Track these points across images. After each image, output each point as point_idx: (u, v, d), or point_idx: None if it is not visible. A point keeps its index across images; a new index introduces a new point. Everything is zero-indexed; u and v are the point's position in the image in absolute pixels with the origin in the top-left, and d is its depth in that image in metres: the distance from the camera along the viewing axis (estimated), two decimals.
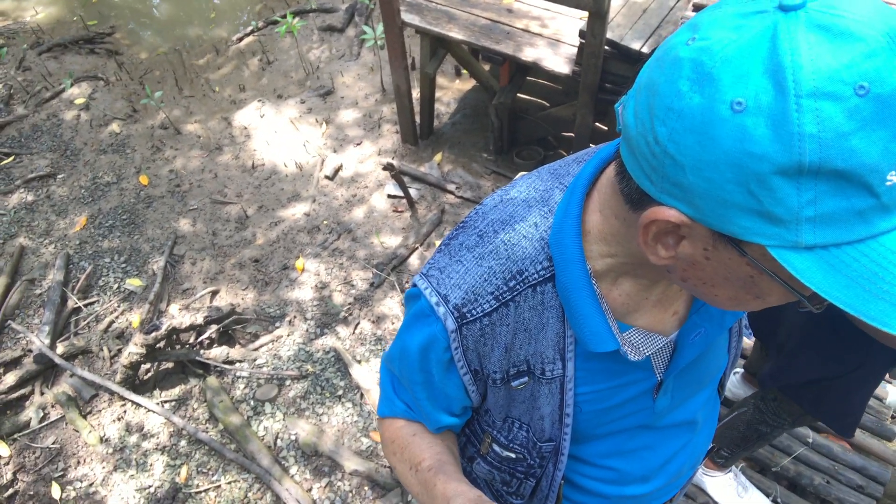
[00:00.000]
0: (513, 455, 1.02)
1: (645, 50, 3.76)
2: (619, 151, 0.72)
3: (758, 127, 0.53)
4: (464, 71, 5.54)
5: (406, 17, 4.27)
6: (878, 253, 0.56)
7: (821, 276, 0.56)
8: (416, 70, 5.34)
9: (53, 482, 3.26)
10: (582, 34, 3.75)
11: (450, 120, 5.29)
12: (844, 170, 0.52)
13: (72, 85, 5.60)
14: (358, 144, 5.07)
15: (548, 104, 5.17)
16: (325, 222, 4.53)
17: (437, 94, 5.32)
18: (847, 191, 0.53)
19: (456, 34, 4.22)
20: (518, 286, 0.84)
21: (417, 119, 4.95)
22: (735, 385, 2.54)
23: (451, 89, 5.55)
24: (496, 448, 1.04)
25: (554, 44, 4.16)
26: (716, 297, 0.71)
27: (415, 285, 0.92)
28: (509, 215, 0.88)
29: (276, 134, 5.18)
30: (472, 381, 0.92)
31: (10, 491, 3.24)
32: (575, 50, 4.04)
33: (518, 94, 4.81)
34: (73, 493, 3.23)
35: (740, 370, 2.59)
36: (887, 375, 2.80)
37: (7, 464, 3.35)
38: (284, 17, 5.72)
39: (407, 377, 0.98)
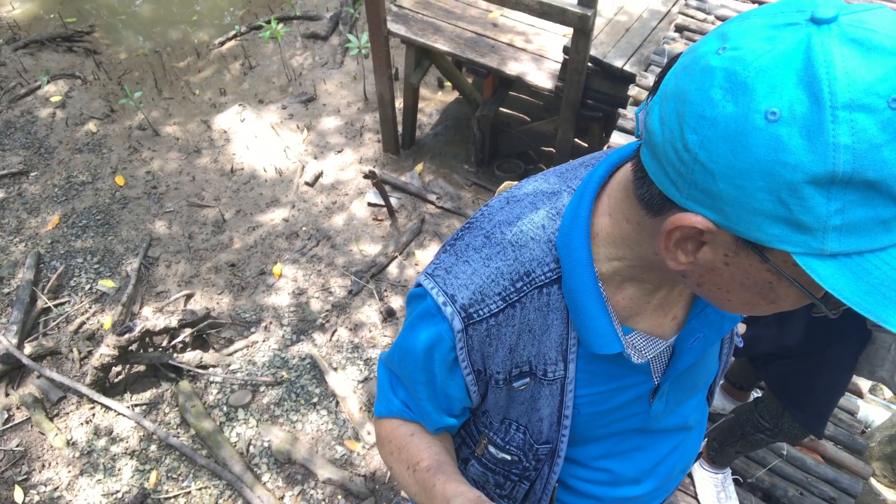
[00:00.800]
0: (508, 457, 1.02)
1: (627, 68, 3.83)
2: (637, 156, 0.73)
3: (792, 137, 0.55)
4: (447, 83, 5.57)
5: (392, 26, 4.29)
6: None
7: (843, 282, 0.58)
8: (400, 80, 5.36)
9: (16, 486, 3.16)
10: (566, 50, 3.80)
11: (432, 131, 5.31)
12: (874, 180, 0.54)
13: (48, 82, 5.50)
14: (339, 152, 5.05)
15: (528, 119, 5.22)
16: (304, 228, 4.49)
17: (420, 104, 5.34)
18: (874, 200, 0.55)
19: (441, 45, 4.25)
20: (525, 287, 0.85)
21: (400, 129, 4.96)
22: (715, 395, 2.59)
23: (434, 100, 5.57)
24: (492, 449, 1.03)
25: (538, 59, 4.21)
26: (728, 301, 0.72)
27: (419, 285, 0.91)
28: (516, 217, 0.89)
29: (257, 139, 5.14)
30: (475, 381, 0.92)
31: None
32: (558, 66, 4.09)
33: (500, 108, 4.85)
34: (36, 497, 3.13)
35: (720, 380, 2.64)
36: (866, 391, 2.87)
37: None
38: (268, 22, 5.70)
39: (408, 377, 0.98)
